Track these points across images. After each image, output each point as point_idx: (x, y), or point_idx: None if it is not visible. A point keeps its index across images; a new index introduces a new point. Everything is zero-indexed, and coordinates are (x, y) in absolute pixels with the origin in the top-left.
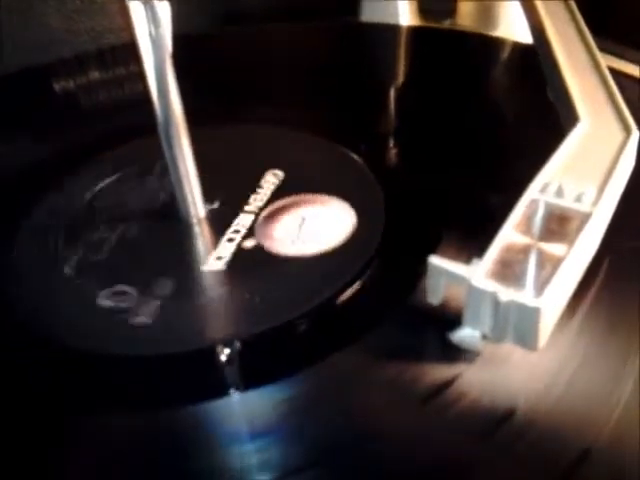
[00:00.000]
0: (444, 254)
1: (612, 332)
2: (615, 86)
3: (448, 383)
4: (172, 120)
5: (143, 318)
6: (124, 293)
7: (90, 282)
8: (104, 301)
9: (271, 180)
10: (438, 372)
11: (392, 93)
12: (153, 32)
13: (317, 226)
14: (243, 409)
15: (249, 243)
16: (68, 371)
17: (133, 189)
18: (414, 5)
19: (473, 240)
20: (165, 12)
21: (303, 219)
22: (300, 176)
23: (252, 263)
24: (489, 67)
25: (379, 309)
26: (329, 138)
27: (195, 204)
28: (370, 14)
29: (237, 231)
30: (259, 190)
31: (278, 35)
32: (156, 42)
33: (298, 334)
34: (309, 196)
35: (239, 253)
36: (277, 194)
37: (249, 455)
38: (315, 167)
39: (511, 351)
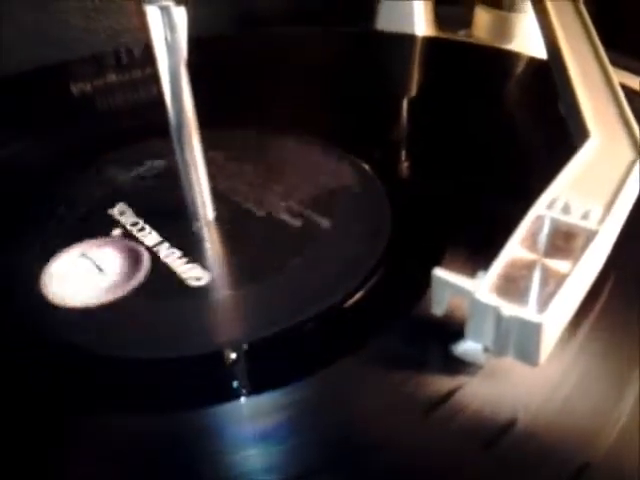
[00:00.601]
0: (451, 265)
1: (615, 348)
2: (627, 104)
3: (450, 394)
4: (184, 123)
5: None
6: None
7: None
8: None
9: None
10: (440, 383)
11: (401, 102)
12: (169, 37)
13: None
14: (238, 415)
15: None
16: (66, 370)
17: (145, 188)
18: (430, 15)
19: (481, 251)
20: (181, 18)
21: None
22: (307, 183)
23: None
24: (501, 80)
25: (384, 318)
26: (337, 145)
27: (204, 206)
28: (386, 22)
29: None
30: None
31: (290, 39)
32: (171, 47)
33: (302, 339)
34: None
35: None
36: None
37: (246, 460)
38: (322, 175)
39: (513, 363)
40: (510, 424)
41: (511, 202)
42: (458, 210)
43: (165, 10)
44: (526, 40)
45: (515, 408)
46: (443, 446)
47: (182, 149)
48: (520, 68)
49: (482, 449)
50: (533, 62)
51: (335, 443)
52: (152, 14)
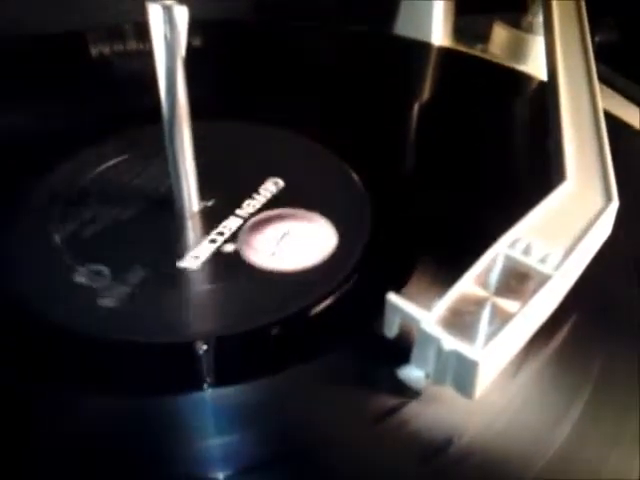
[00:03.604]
0: (417, 289)
1: (557, 382)
2: (609, 152)
3: (390, 412)
4: (176, 118)
5: (109, 301)
6: (99, 273)
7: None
8: (80, 277)
9: (269, 188)
10: (383, 401)
11: (403, 111)
12: (168, 35)
13: (297, 243)
14: (187, 408)
15: (229, 248)
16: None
17: (139, 172)
18: (449, 25)
19: (448, 277)
20: (182, 17)
21: (285, 233)
22: (298, 187)
23: (226, 268)
24: (506, 100)
25: (340, 332)
26: (331, 149)
27: (190, 200)
28: (404, 28)
29: (221, 233)
30: (255, 196)
31: (301, 35)
32: (170, 45)
33: (258, 343)
34: (298, 211)
35: (217, 256)
36: (271, 203)
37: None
38: (313, 180)
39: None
40: (447, 444)
41: (495, 230)
42: (438, 234)
43: (167, 9)
44: (540, 62)
45: (454, 427)
46: (379, 461)
47: (172, 143)
48: (528, 90)
49: (420, 463)
50: (542, 86)
51: (272, 445)
52: (154, 11)
